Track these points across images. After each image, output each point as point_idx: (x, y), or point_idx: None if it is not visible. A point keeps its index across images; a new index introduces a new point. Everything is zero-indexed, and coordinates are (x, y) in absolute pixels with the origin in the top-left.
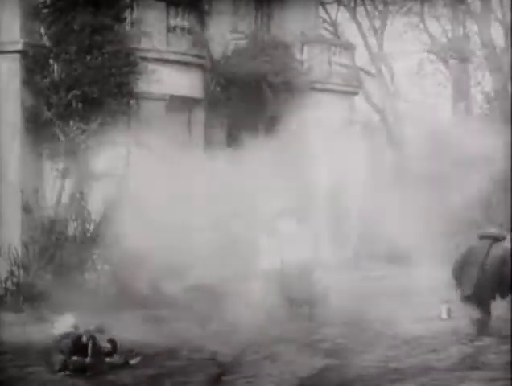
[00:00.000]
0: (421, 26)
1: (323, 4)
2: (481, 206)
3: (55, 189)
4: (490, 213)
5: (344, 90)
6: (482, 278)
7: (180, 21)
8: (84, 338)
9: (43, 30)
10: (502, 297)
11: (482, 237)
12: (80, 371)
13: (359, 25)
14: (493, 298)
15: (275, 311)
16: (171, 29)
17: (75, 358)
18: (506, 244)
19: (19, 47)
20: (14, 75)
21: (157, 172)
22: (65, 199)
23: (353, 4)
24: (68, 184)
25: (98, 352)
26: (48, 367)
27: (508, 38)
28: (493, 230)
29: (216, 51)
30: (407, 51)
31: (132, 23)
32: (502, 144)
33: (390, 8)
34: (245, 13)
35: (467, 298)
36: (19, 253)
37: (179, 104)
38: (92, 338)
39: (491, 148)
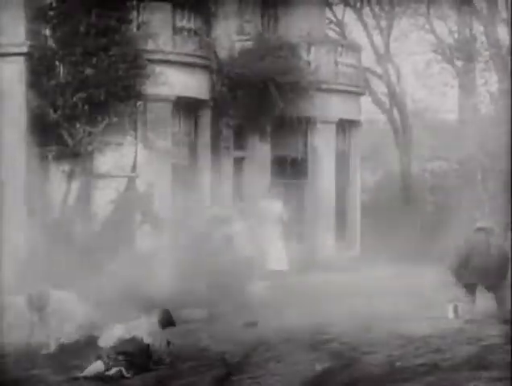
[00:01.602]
0: (427, 27)
1: (329, 5)
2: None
3: (61, 191)
4: (496, 212)
5: (350, 90)
6: (488, 265)
7: (186, 23)
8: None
9: (48, 33)
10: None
11: (479, 230)
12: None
13: (365, 25)
14: (500, 282)
15: None
16: (177, 31)
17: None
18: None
19: (25, 49)
20: (20, 77)
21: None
22: (71, 200)
23: (359, 5)
24: (74, 186)
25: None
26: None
27: None
28: (488, 223)
29: (223, 52)
30: (414, 51)
31: (138, 25)
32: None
33: (396, 9)
34: (251, 14)
35: (472, 285)
36: (24, 255)
37: (186, 105)
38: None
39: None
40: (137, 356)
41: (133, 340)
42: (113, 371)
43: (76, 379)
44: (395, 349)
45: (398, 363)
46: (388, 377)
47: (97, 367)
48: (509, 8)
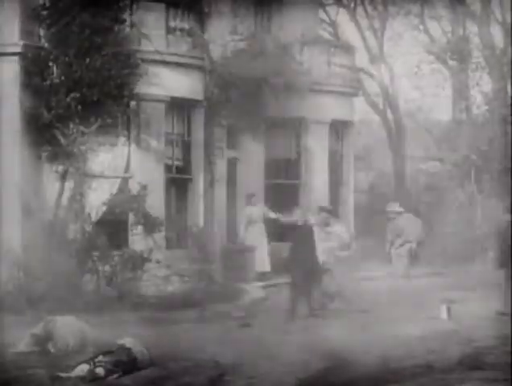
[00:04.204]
0: (421, 27)
1: (322, 5)
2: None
3: (54, 191)
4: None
5: (343, 91)
6: None
7: (180, 22)
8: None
9: (42, 32)
10: None
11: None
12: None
13: (359, 26)
14: None
15: None
16: (170, 30)
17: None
18: None
19: (18, 49)
20: (14, 77)
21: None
22: (65, 200)
23: (352, 5)
24: (68, 186)
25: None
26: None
27: (507, 39)
28: None
29: (216, 52)
30: (407, 51)
31: (131, 25)
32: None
33: (390, 9)
34: (244, 14)
35: None
36: (20, 255)
37: (179, 105)
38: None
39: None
40: (125, 363)
41: (121, 349)
42: (98, 369)
43: (59, 378)
44: (389, 350)
45: (391, 364)
46: (381, 378)
47: (81, 369)
48: (509, 9)
